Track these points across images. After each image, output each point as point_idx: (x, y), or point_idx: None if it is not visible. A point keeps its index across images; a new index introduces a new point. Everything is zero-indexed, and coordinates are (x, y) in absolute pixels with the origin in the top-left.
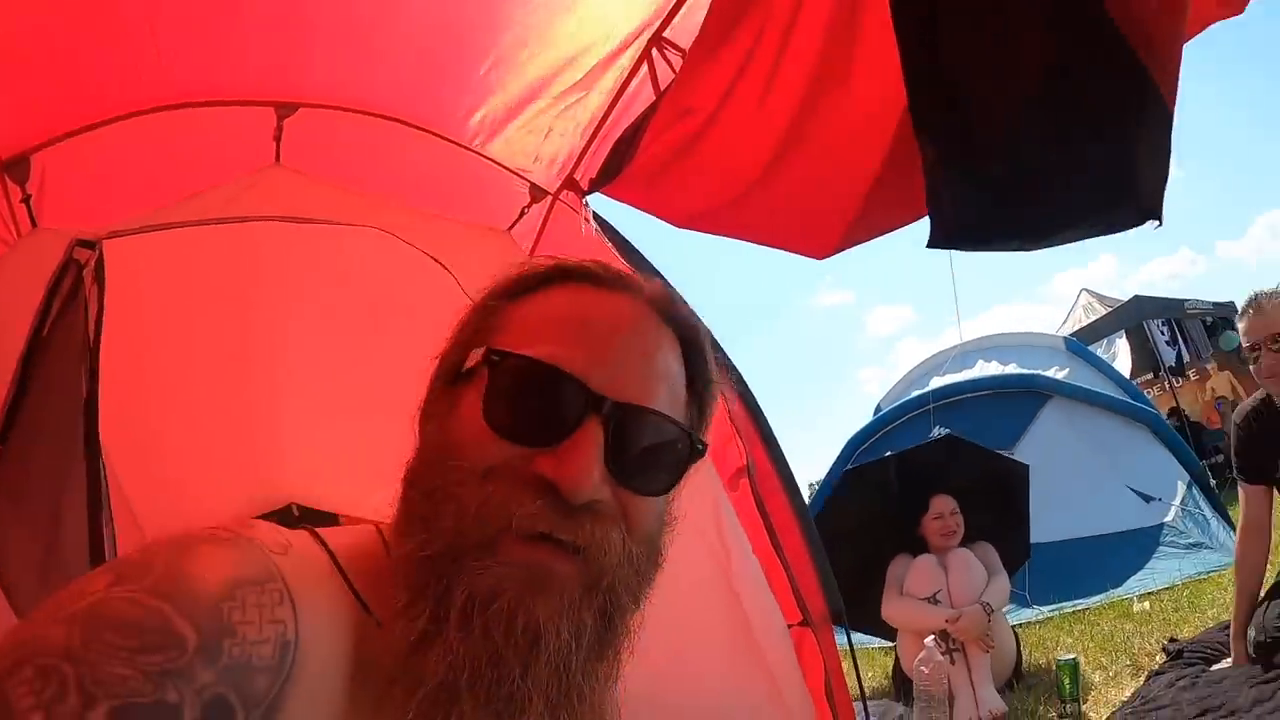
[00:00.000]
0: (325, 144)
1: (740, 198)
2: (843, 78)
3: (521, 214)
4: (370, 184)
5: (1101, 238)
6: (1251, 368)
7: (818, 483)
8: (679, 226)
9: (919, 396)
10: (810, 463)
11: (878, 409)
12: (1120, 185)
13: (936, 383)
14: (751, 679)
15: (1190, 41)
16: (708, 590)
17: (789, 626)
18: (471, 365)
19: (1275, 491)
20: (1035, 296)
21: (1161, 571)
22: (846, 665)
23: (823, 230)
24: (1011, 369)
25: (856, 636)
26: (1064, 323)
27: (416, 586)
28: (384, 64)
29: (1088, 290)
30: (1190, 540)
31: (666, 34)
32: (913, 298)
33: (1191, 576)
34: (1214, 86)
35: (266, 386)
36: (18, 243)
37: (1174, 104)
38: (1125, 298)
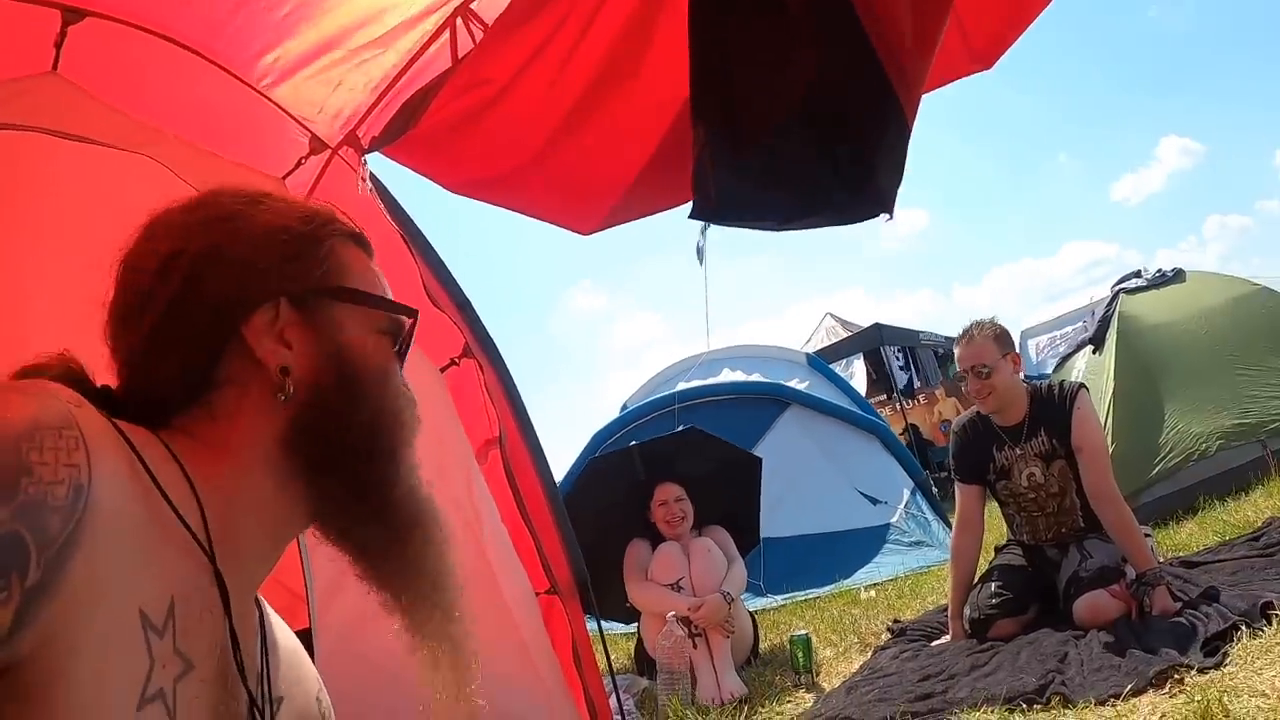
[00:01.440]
0: (109, 59)
1: (517, 170)
2: (632, 72)
3: (299, 164)
4: (150, 109)
5: (849, 268)
6: (963, 387)
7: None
8: (454, 192)
9: (664, 397)
10: (558, 460)
11: (624, 407)
12: (860, 185)
13: (683, 386)
14: (503, 647)
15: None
16: (462, 558)
17: (537, 595)
18: (348, 296)
19: (986, 491)
20: (784, 317)
21: (886, 565)
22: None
23: (590, 209)
24: (756, 378)
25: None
26: (808, 341)
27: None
28: None
29: (832, 314)
30: (913, 539)
31: (473, 6)
32: (663, 307)
33: (914, 570)
34: (969, 150)
35: (6, 302)
36: None
37: (913, 121)
38: (867, 324)
